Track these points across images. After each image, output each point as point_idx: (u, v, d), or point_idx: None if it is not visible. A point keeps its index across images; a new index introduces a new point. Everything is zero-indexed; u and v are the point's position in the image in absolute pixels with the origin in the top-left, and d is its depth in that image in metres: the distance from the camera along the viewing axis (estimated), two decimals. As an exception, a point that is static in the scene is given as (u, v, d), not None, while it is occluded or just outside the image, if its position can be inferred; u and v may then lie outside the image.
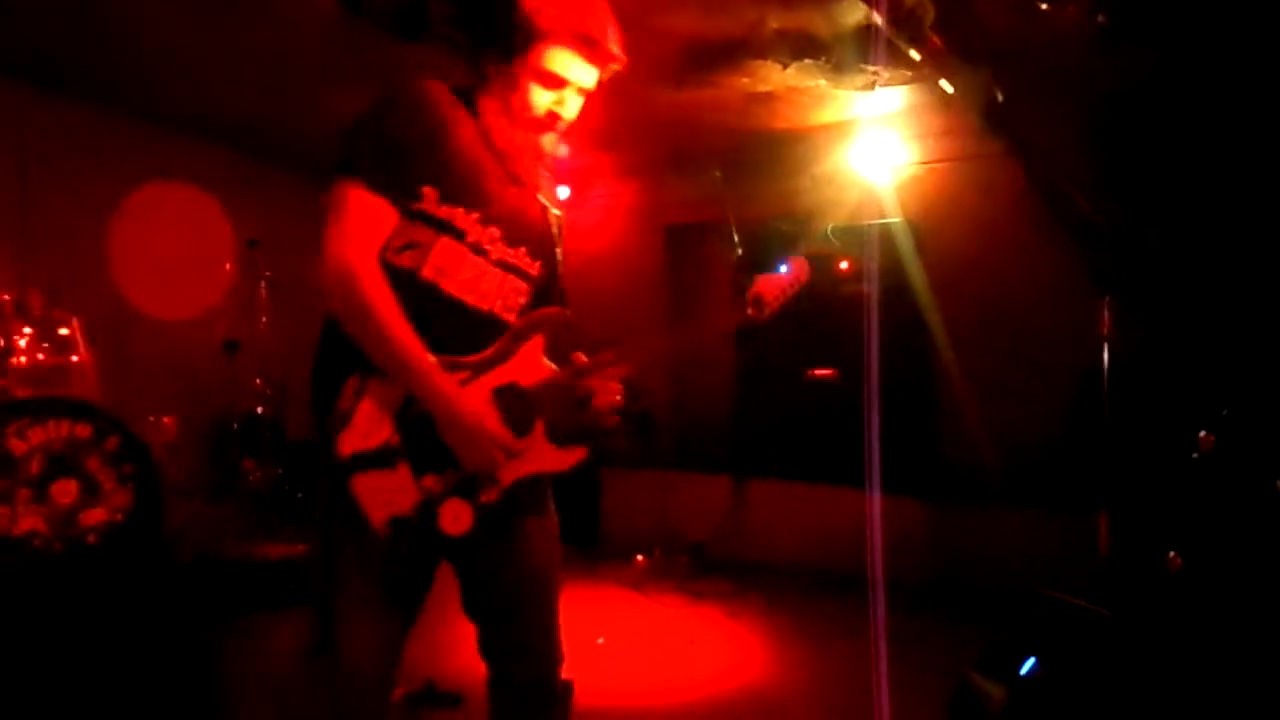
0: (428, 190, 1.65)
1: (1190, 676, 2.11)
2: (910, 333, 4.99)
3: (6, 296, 3.44)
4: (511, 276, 1.79)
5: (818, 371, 5.61)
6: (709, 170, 5.51)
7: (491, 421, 1.65)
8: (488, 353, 1.71)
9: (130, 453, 3.37)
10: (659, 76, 4.32)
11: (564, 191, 6.21)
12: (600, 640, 3.93)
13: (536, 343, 1.76)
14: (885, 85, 4.33)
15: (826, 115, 4.91)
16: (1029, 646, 2.32)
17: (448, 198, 1.67)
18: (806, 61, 4.06)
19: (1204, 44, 3.14)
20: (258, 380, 5.26)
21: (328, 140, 1.85)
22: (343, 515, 1.61)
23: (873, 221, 5.25)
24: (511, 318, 1.79)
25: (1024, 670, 2.27)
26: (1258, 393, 2.53)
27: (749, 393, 5.85)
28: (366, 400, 1.60)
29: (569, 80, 1.73)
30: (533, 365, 1.75)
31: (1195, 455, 2.42)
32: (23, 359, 3.44)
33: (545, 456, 1.76)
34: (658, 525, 5.45)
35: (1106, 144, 3.69)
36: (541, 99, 1.72)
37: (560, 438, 1.77)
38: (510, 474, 1.70)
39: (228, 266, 5.32)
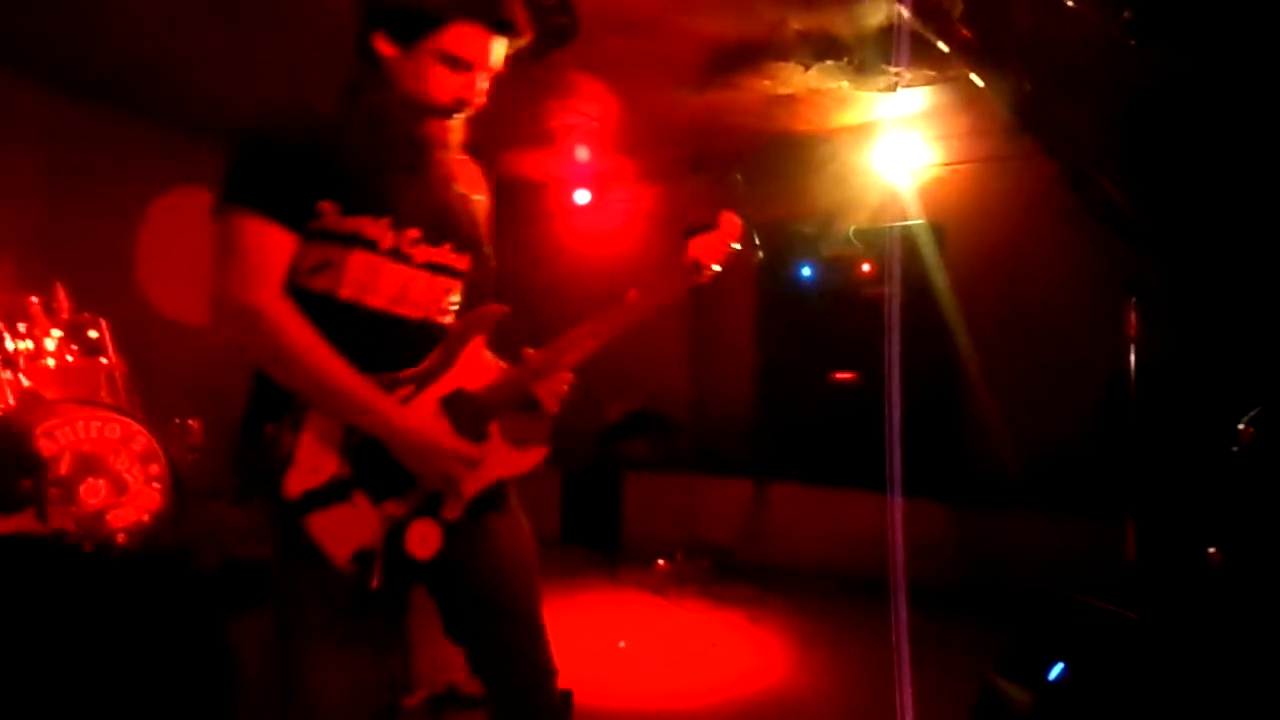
0: (326, 206, 1.52)
1: (1226, 679, 2.08)
2: (933, 335, 4.95)
3: (36, 299, 3.49)
4: (441, 277, 1.67)
5: (839, 374, 5.58)
6: (730, 173, 5.51)
7: (443, 434, 1.57)
8: (428, 363, 1.62)
9: (157, 454, 3.40)
10: (680, 80, 4.32)
11: (585, 196, 6.29)
12: (622, 644, 3.92)
13: (478, 344, 1.67)
14: (907, 86, 4.31)
15: (848, 117, 4.90)
16: (1056, 651, 2.29)
17: (350, 209, 1.54)
18: (828, 63, 4.05)
19: (1231, 41, 3.11)
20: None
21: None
22: (302, 559, 1.52)
23: (895, 223, 5.22)
24: (448, 320, 1.70)
25: (1052, 675, 2.24)
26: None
27: (770, 396, 5.83)
28: (306, 435, 1.51)
29: (477, 61, 1.57)
30: (477, 368, 1.66)
31: (1235, 449, 2.39)
32: (51, 361, 3.48)
33: (506, 460, 1.68)
34: (679, 529, 5.44)
35: (1137, 136, 3.65)
36: (448, 84, 1.56)
37: (518, 439, 1.70)
38: (473, 485, 1.62)
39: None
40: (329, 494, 1.51)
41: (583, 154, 5.59)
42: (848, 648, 3.96)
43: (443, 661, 3.05)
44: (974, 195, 5.10)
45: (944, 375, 5.07)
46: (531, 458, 1.71)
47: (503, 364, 1.71)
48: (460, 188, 1.73)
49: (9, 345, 3.40)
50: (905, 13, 3.19)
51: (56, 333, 3.50)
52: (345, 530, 1.52)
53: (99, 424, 3.25)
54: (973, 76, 3.41)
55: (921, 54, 3.71)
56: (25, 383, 3.40)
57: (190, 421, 4.55)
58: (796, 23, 3.70)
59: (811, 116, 4.87)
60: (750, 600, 4.60)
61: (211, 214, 1.52)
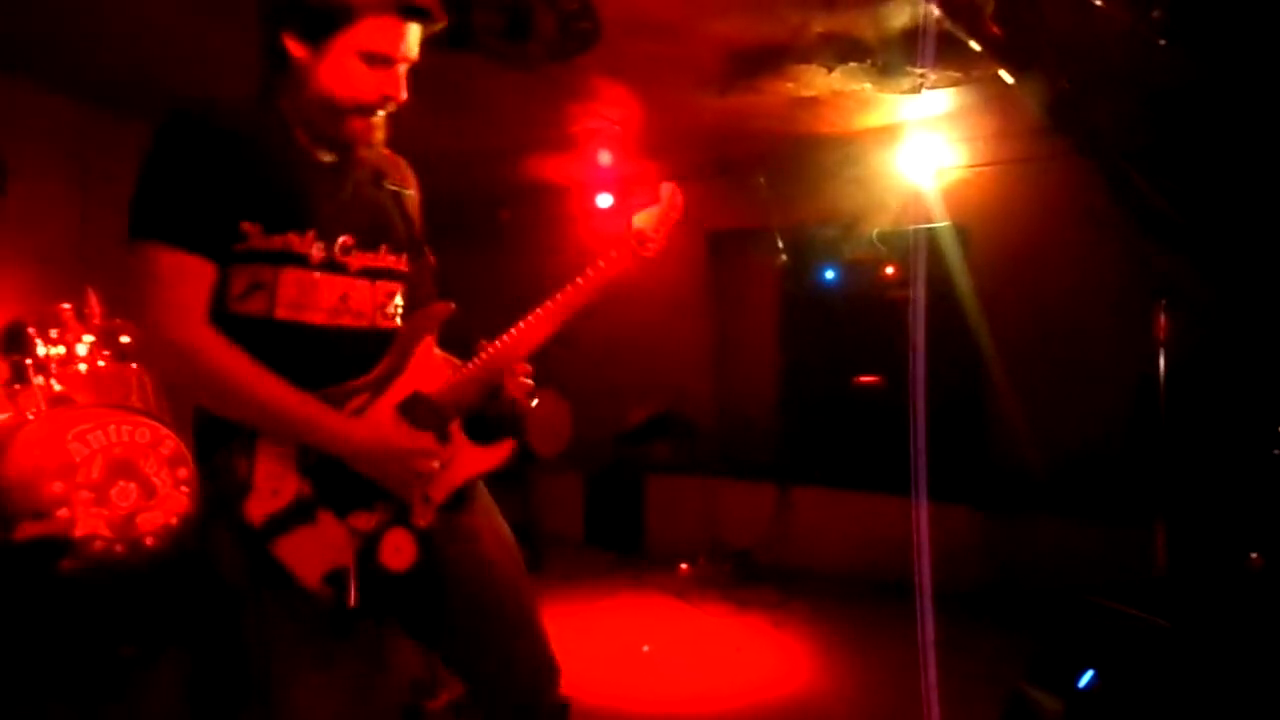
0: (248, 226, 1.44)
1: (1268, 690, 2.04)
2: (957, 338, 4.91)
3: (68, 305, 3.54)
4: (380, 282, 1.61)
5: (863, 378, 5.55)
6: (752, 176, 5.50)
7: (403, 438, 1.52)
8: (379, 370, 1.57)
9: (185, 458, 3.44)
10: (703, 84, 4.31)
11: (607, 200, 6.30)
12: (645, 648, 3.92)
13: (428, 344, 1.62)
14: (932, 88, 4.28)
15: (872, 119, 4.87)
16: (1086, 658, 2.26)
17: (274, 226, 1.46)
18: (852, 65, 4.02)
19: (1263, 39, 3.06)
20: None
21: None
22: (271, 587, 1.45)
23: (919, 226, 5.19)
24: (394, 324, 1.64)
25: (1082, 683, 2.22)
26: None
27: (793, 399, 5.82)
28: (261, 457, 1.45)
29: (395, 54, 1.50)
30: (431, 369, 1.62)
31: (1277, 451, 2.35)
32: (83, 366, 3.53)
33: (473, 459, 1.64)
34: (702, 532, 5.43)
35: (1174, 135, 3.61)
36: (370, 81, 1.49)
37: (482, 435, 1.65)
38: (443, 489, 1.59)
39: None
40: (293, 516, 1.45)
41: (605, 158, 5.60)
42: (871, 652, 3.93)
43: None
44: (999, 197, 5.06)
45: (968, 378, 5.04)
46: (498, 454, 1.67)
47: (455, 361, 1.66)
48: (390, 185, 1.67)
49: (41, 351, 3.46)
50: (935, 11, 3.16)
51: (88, 338, 3.54)
52: (314, 551, 1.45)
53: (129, 428, 3.29)
54: (1004, 75, 3.37)
55: (946, 55, 3.68)
56: (57, 387, 3.46)
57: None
58: (819, 25, 3.68)
59: (835, 119, 4.85)
60: (773, 604, 4.59)
61: (123, 244, 1.44)
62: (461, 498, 1.64)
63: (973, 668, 3.38)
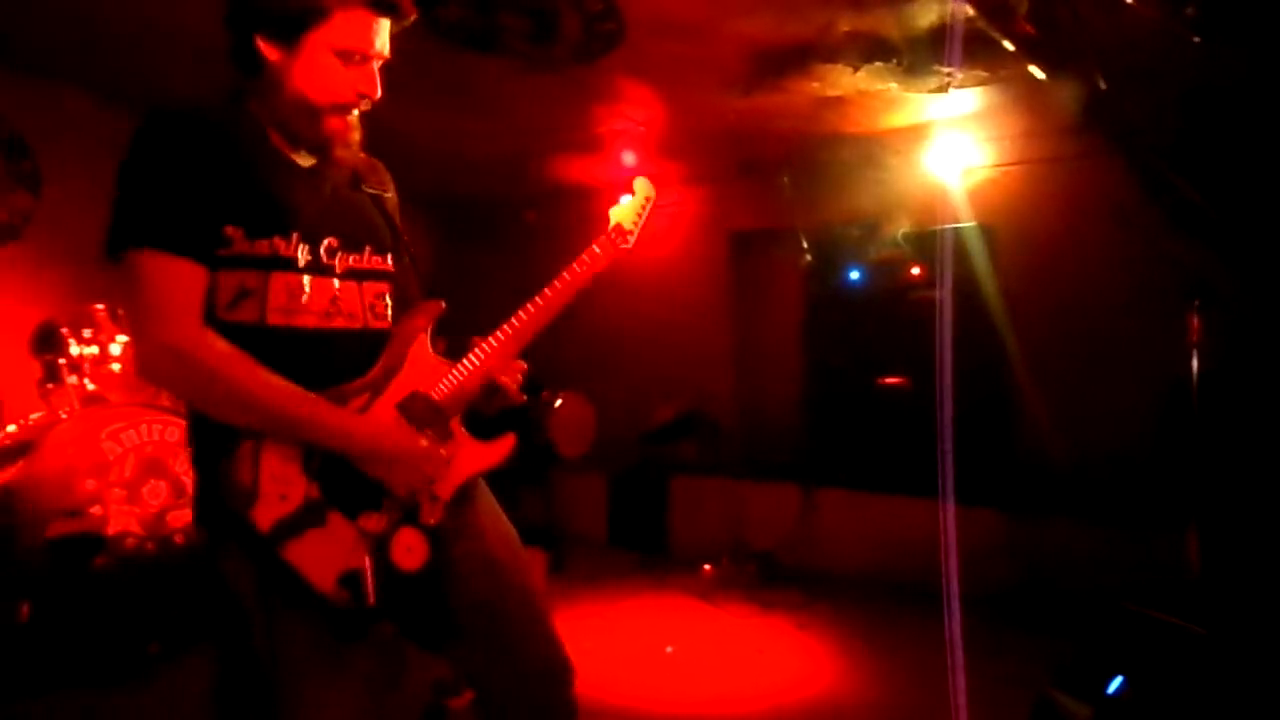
0: (231, 231, 1.43)
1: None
2: (983, 339, 4.87)
3: (101, 306, 3.59)
4: (368, 283, 1.61)
5: (888, 379, 5.52)
6: (776, 176, 5.48)
7: (407, 436, 1.51)
8: (376, 370, 1.56)
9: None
10: (727, 84, 4.30)
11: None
12: (669, 649, 3.92)
13: (422, 342, 1.63)
14: (959, 87, 4.24)
15: (898, 119, 4.84)
16: (1115, 664, 2.24)
17: (257, 230, 1.45)
18: (877, 64, 4.00)
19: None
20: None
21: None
22: (284, 594, 1.42)
23: (945, 226, 5.15)
24: (386, 324, 1.63)
25: (1111, 689, 2.19)
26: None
27: (818, 400, 5.79)
28: (265, 463, 1.42)
29: (368, 50, 1.49)
30: (427, 367, 1.61)
31: None
32: (116, 365, 3.58)
33: (476, 456, 1.64)
34: (726, 534, 5.42)
35: (1210, 132, 3.55)
36: (345, 79, 1.49)
37: (482, 431, 1.66)
38: (449, 486, 1.59)
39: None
40: (302, 519, 1.43)
41: (630, 159, 5.60)
42: (897, 655, 3.91)
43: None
44: (1026, 197, 5.01)
45: (995, 380, 4.99)
46: (500, 449, 1.67)
47: (450, 359, 1.67)
48: (369, 189, 1.68)
49: (75, 350, 3.51)
50: (964, 10, 3.13)
51: (121, 338, 3.59)
52: (326, 554, 1.43)
53: (160, 427, 3.34)
54: (1038, 73, 3.34)
55: (974, 54, 3.65)
56: (90, 386, 3.51)
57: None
58: (845, 24, 3.66)
59: (860, 118, 4.82)
60: (797, 606, 4.57)
61: (109, 255, 1.42)
62: (467, 494, 1.65)
63: (998, 671, 3.35)
